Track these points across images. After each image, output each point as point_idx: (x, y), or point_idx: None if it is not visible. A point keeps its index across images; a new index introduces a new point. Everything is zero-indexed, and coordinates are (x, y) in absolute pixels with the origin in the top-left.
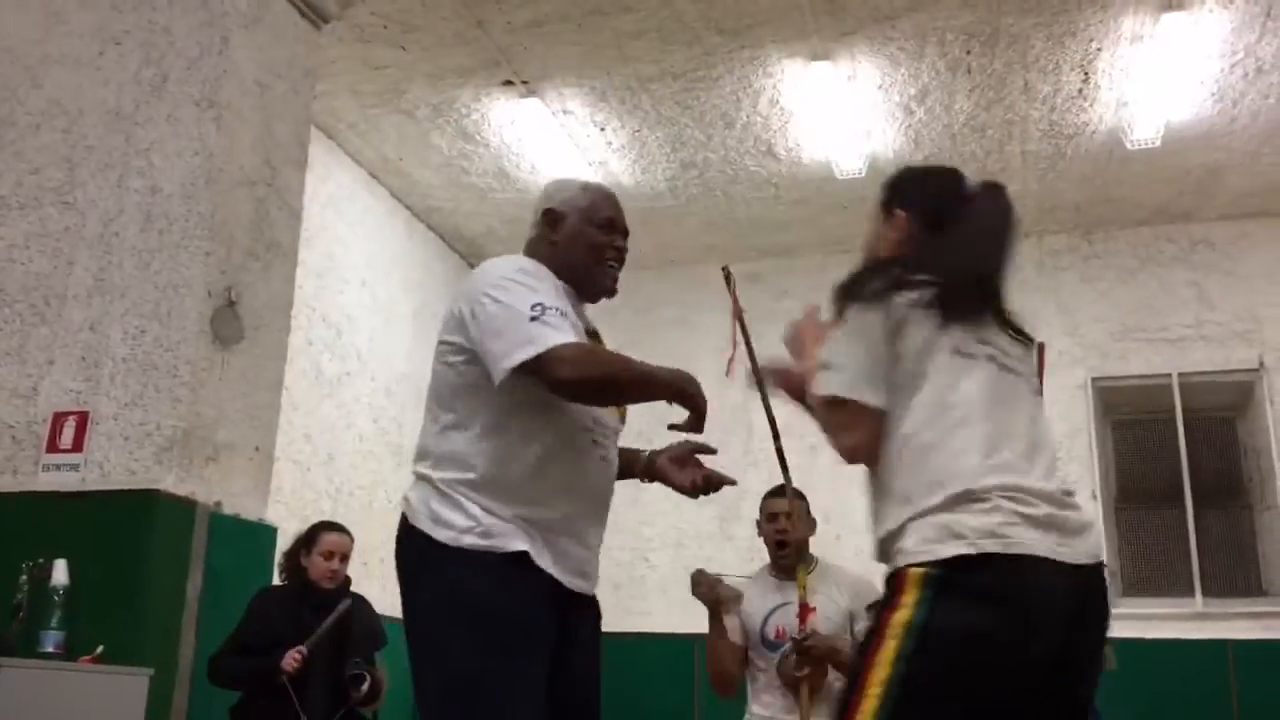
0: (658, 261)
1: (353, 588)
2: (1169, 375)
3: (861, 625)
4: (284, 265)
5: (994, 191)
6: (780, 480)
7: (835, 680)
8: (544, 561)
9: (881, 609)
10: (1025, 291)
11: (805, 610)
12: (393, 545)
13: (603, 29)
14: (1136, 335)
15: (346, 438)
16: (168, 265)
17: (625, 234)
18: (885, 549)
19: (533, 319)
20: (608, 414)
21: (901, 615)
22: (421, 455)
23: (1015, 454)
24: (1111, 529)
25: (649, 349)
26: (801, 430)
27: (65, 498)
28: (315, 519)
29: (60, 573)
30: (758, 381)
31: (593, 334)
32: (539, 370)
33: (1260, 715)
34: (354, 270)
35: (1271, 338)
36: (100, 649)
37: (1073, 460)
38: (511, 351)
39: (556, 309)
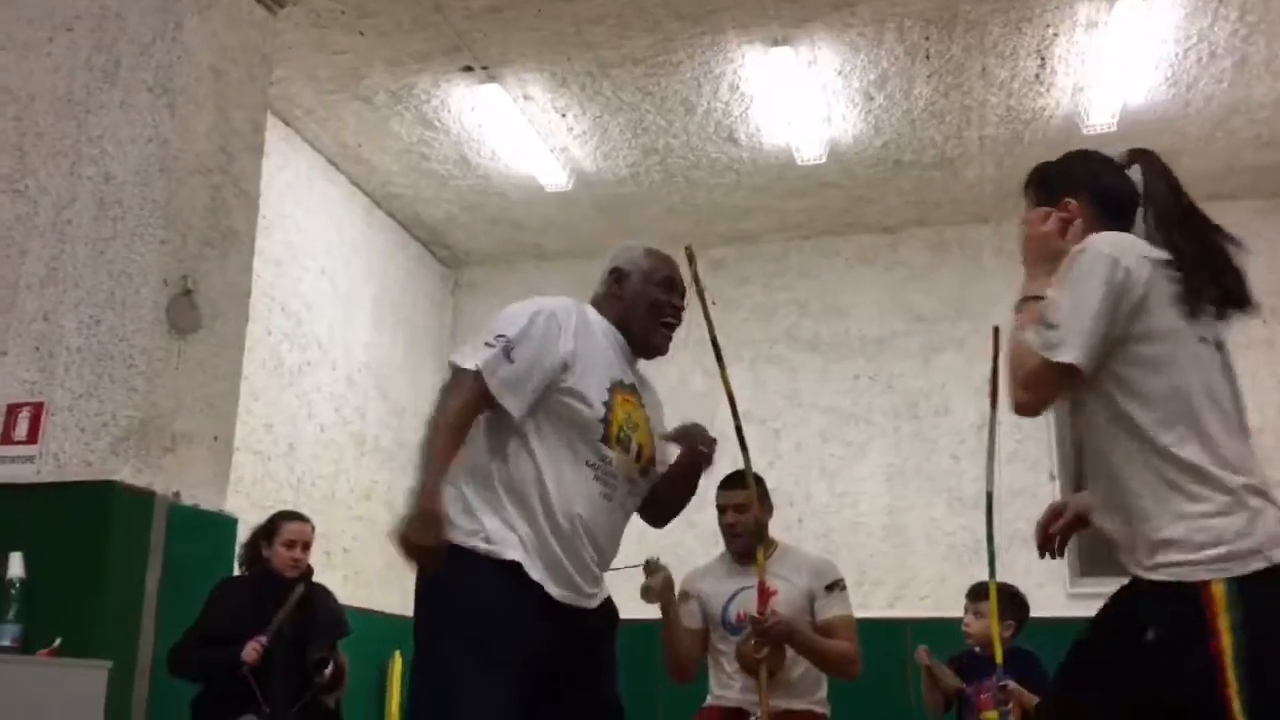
0: None
1: (314, 578)
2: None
3: (823, 602)
4: (241, 253)
5: (1150, 160)
6: (736, 467)
7: (794, 662)
8: (535, 573)
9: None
10: (984, 276)
11: (765, 592)
12: (355, 535)
13: (562, 14)
14: None
15: (308, 428)
16: (122, 254)
17: (682, 294)
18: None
19: (485, 342)
20: (620, 459)
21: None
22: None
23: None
24: None
25: None
26: (764, 415)
27: (20, 490)
28: (276, 509)
29: (16, 566)
30: (719, 363)
31: (632, 387)
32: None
33: None
34: (313, 258)
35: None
36: (58, 642)
37: (1030, 441)
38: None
39: (511, 347)
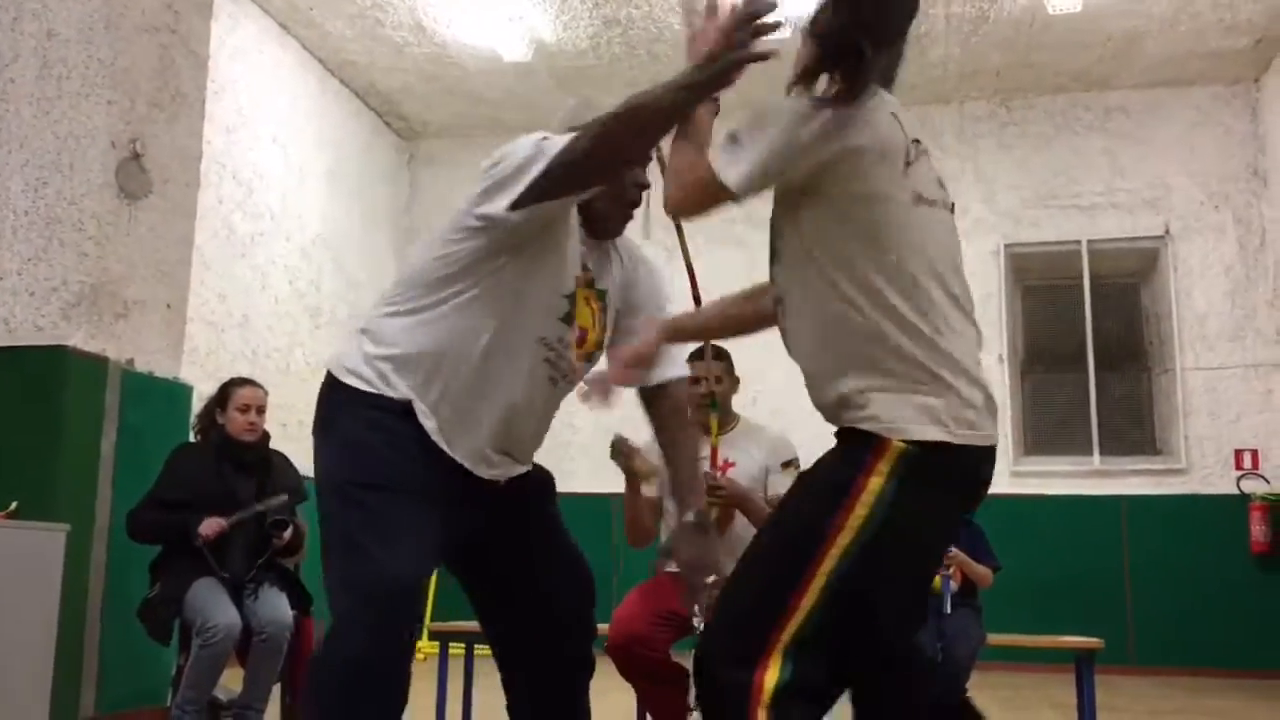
0: None
1: (272, 448)
2: (1079, 242)
3: (777, 478)
4: (190, 117)
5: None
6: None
7: (743, 529)
8: (433, 433)
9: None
10: (944, 158)
11: (716, 458)
12: (308, 406)
13: None
14: (1050, 203)
15: (262, 299)
16: (68, 114)
17: (646, 167)
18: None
19: (541, 138)
20: (573, 346)
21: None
22: (364, 331)
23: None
24: (1017, 391)
25: None
26: (723, 290)
27: None
28: None
29: None
30: (679, 234)
31: (586, 269)
32: (554, 167)
33: (1147, 563)
34: (265, 127)
35: (1178, 205)
36: (14, 505)
37: (984, 324)
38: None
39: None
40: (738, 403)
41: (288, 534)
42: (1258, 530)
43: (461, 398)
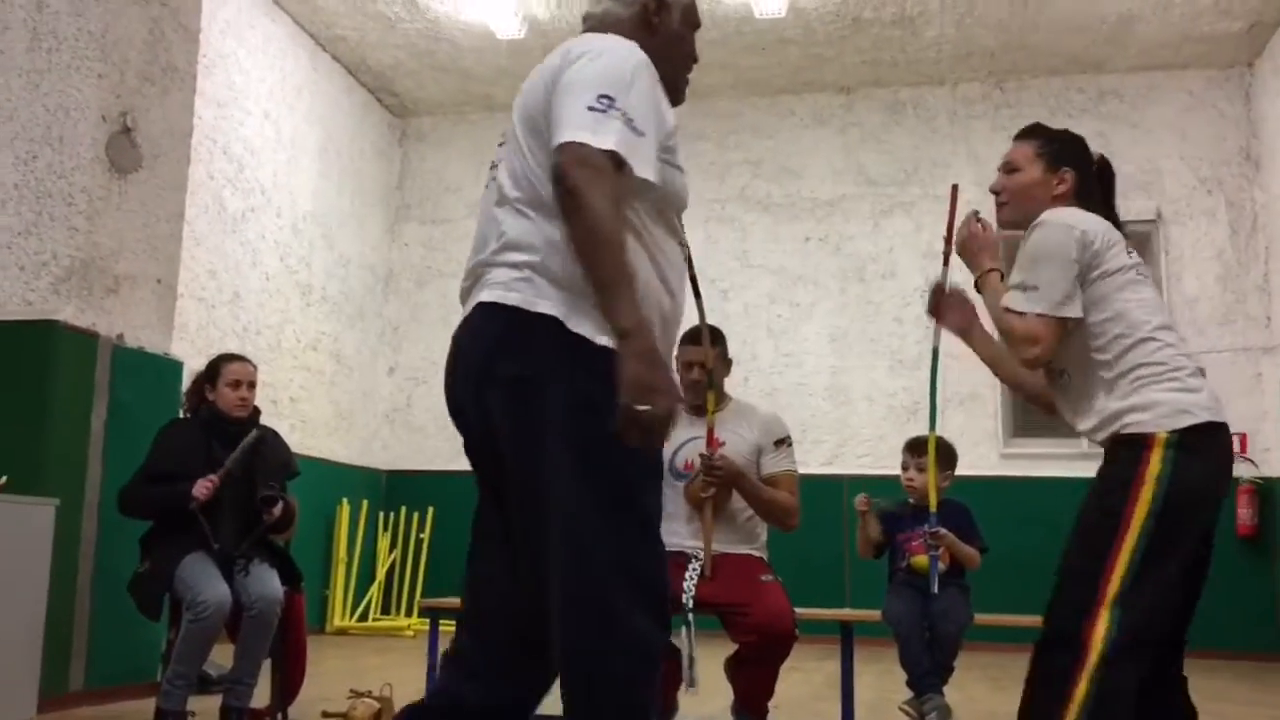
0: None
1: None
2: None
3: (770, 457)
4: (181, 91)
5: (1106, 167)
6: (692, 324)
7: (738, 510)
8: None
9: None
10: (937, 139)
11: (713, 438)
12: (301, 384)
13: None
14: None
15: (253, 275)
16: (58, 87)
17: None
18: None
19: (590, 108)
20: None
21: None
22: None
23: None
24: None
25: None
26: (714, 274)
27: None
28: None
29: None
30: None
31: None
32: (563, 157)
33: None
34: (255, 102)
35: (1170, 189)
36: (4, 479)
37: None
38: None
39: (631, 119)
40: (729, 384)
41: (278, 509)
42: (1244, 513)
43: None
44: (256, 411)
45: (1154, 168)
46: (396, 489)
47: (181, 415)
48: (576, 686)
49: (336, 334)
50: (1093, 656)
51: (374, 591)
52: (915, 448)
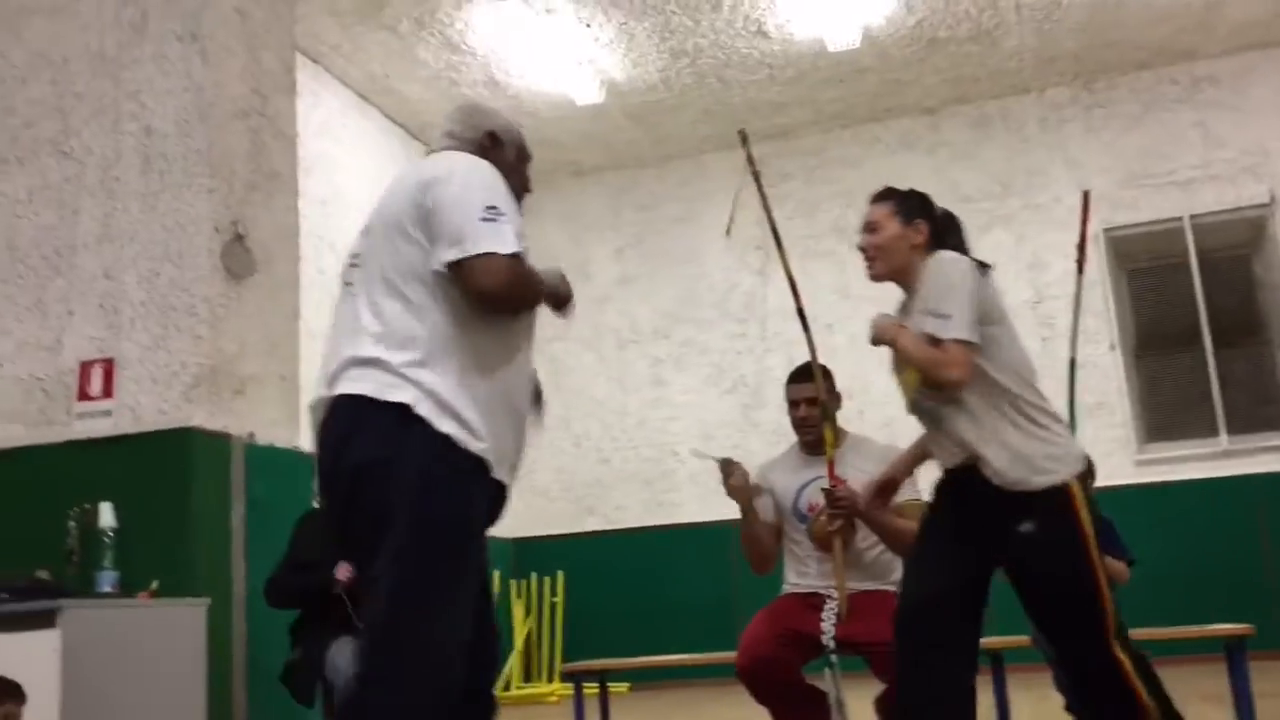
0: (655, 158)
1: None
2: (1180, 219)
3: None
4: (285, 194)
5: (952, 217)
6: (799, 362)
7: (864, 542)
8: (496, 468)
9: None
10: (1029, 148)
11: (831, 468)
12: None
13: None
14: (1144, 182)
15: None
16: (172, 205)
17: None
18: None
19: (483, 219)
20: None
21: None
22: (384, 339)
23: None
24: (1133, 377)
25: (653, 247)
26: (815, 310)
27: (101, 443)
28: None
29: (107, 515)
30: (777, 241)
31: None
32: (465, 273)
33: None
34: (355, 195)
35: None
36: (155, 584)
37: (1089, 314)
38: (448, 247)
39: (506, 215)
40: (843, 417)
41: None
42: None
43: (497, 416)
44: None
45: (1261, 150)
46: (525, 556)
47: (315, 505)
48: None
49: None
50: (1127, 668)
51: (514, 660)
52: None
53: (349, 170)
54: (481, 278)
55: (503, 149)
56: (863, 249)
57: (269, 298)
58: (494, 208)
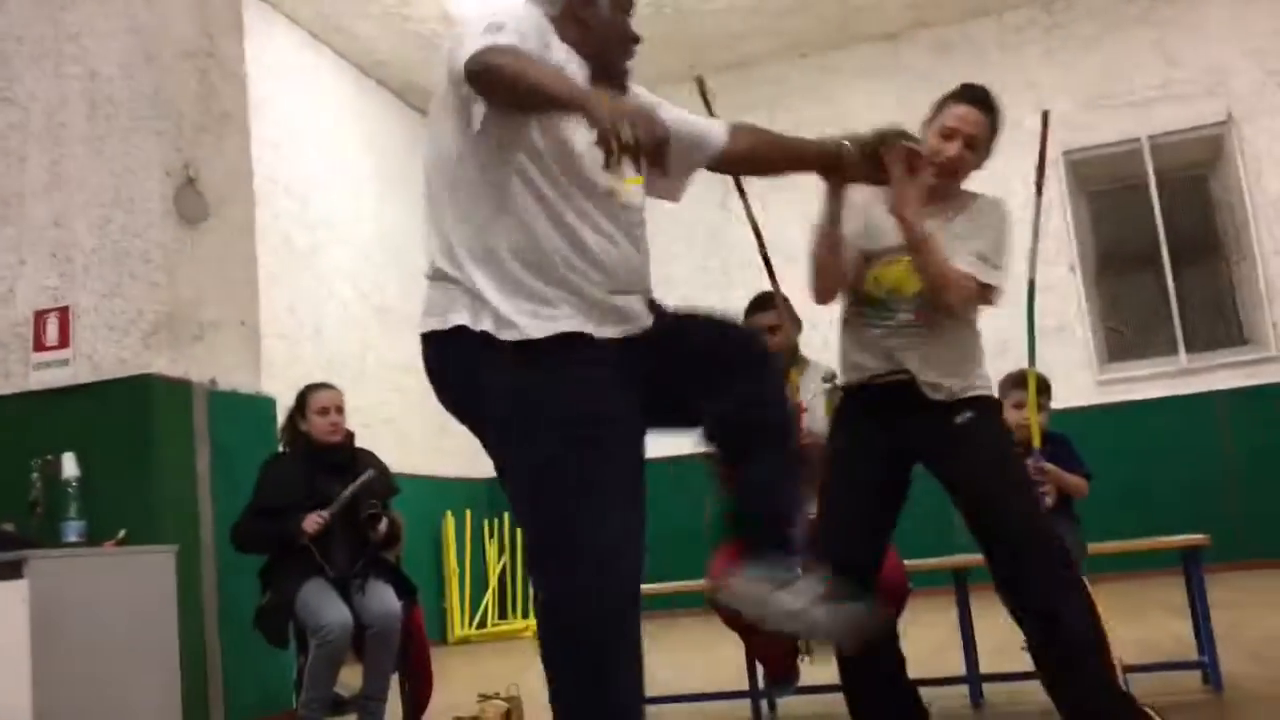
0: None
1: (358, 447)
2: (1138, 140)
3: None
4: (237, 136)
5: None
6: (759, 290)
7: None
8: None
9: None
10: (989, 70)
11: (799, 410)
12: (390, 404)
13: None
14: (1103, 103)
15: (330, 307)
16: (120, 150)
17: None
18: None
19: (484, 29)
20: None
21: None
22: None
23: None
24: (1093, 298)
25: None
26: (779, 242)
27: (61, 393)
28: None
29: (70, 465)
30: (740, 192)
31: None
32: (468, 67)
33: (1249, 457)
34: (309, 137)
35: (1238, 88)
36: (122, 533)
37: (1049, 236)
38: (456, 54)
39: (513, 30)
40: (808, 346)
41: (383, 526)
42: None
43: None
44: (350, 435)
45: (1218, 68)
46: (498, 496)
47: (280, 450)
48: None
49: (419, 351)
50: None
51: (489, 598)
52: (1018, 382)
53: (300, 111)
54: (461, 64)
55: (594, 3)
56: (947, 160)
57: (225, 242)
58: (495, 23)
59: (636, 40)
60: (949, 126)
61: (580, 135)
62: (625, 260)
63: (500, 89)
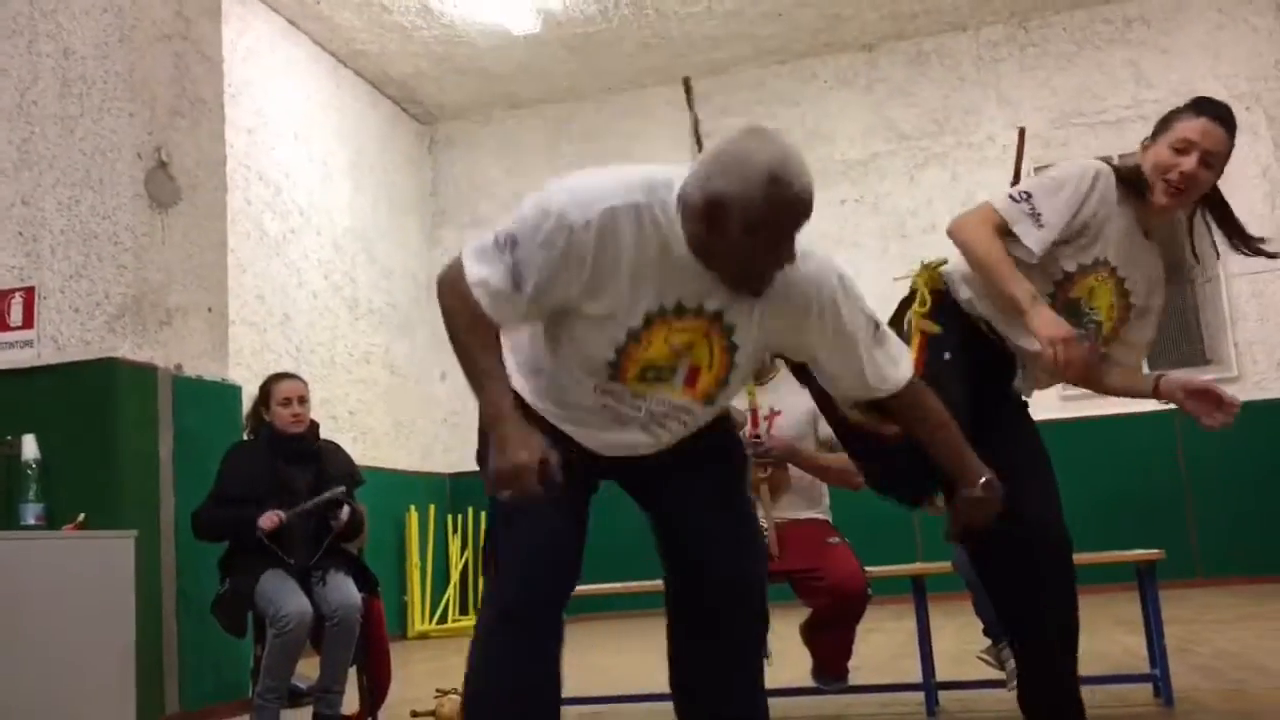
0: (594, 90)
1: (323, 439)
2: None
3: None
4: (211, 121)
5: None
6: None
7: (799, 477)
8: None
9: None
10: (966, 87)
11: (756, 416)
12: (359, 397)
13: None
14: (1076, 121)
15: (300, 296)
16: (92, 130)
17: (791, 244)
18: None
19: (496, 241)
20: (648, 392)
21: None
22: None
23: None
24: None
25: None
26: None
27: (23, 374)
28: None
29: (30, 447)
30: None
31: (698, 311)
32: None
33: (1205, 474)
34: (285, 124)
35: None
36: (82, 517)
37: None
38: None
39: (518, 250)
40: None
41: (344, 514)
42: None
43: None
44: (315, 426)
45: (1189, 90)
46: (462, 491)
47: (245, 438)
48: None
49: (387, 345)
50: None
51: (450, 593)
52: None
53: (276, 98)
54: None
55: (725, 221)
56: (1186, 180)
57: (195, 227)
58: (511, 237)
59: (774, 263)
60: (1187, 139)
61: (592, 341)
62: (628, 444)
63: (445, 323)
